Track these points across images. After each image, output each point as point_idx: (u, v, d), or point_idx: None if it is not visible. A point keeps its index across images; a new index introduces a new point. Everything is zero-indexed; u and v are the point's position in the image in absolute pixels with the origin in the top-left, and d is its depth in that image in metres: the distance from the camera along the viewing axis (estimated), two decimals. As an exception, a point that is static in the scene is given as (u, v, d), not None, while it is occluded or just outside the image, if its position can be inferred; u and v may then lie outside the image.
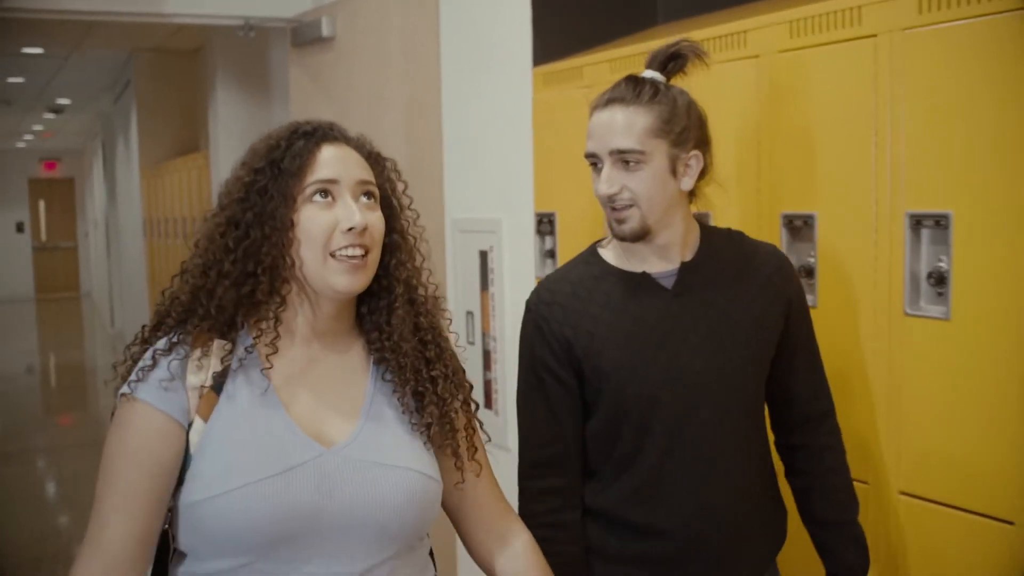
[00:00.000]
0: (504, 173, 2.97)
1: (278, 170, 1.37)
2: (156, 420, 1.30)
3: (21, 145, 17.30)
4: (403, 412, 1.42)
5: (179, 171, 7.56)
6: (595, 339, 1.66)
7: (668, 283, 1.68)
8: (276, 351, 1.36)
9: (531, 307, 1.74)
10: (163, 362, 1.32)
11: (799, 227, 1.99)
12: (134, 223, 9.41)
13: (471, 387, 1.52)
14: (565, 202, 2.72)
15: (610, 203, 1.65)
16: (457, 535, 1.55)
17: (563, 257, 2.73)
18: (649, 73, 1.69)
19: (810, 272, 1.95)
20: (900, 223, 1.79)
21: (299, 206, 1.36)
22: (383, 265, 1.43)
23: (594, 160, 1.67)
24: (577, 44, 2.85)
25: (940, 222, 1.72)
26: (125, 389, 1.32)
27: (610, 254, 1.74)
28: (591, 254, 1.76)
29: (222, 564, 1.30)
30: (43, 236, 18.72)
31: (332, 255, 1.35)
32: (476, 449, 1.50)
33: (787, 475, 1.82)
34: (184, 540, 1.33)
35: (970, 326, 1.69)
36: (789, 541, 1.83)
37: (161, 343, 1.35)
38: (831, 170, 1.92)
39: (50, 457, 6.92)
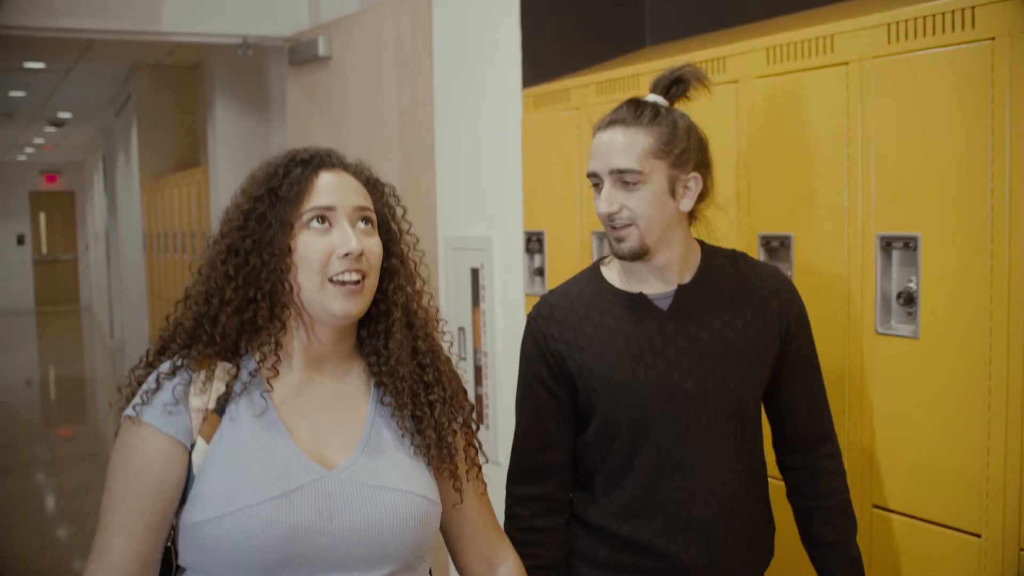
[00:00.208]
0: (495, 192, 3.04)
1: (276, 197, 1.39)
2: (160, 442, 1.33)
3: (22, 158, 17.37)
4: (403, 435, 1.45)
5: (179, 185, 7.62)
6: (587, 355, 1.70)
7: (664, 305, 1.71)
8: (277, 375, 1.38)
9: (531, 320, 1.78)
10: (167, 385, 1.35)
11: (776, 247, 2.05)
12: (134, 236, 9.47)
13: (472, 408, 1.54)
14: (554, 221, 2.78)
15: (609, 221, 1.68)
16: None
17: (551, 274, 2.79)
18: (652, 97, 1.73)
19: (787, 291, 2.01)
20: (872, 245, 1.85)
21: (296, 232, 1.38)
22: (382, 290, 1.45)
23: (595, 180, 1.70)
24: (566, 66, 2.92)
25: (909, 244, 1.78)
26: (130, 412, 1.35)
27: (611, 272, 1.77)
28: (593, 271, 1.80)
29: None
30: (44, 249, 18.76)
31: (330, 280, 1.37)
32: (474, 469, 1.53)
33: (788, 496, 1.83)
34: (187, 557, 1.35)
35: (938, 344, 1.75)
36: (785, 559, 1.87)
37: (165, 367, 1.37)
38: (806, 193, 1.98)
39: (50, 469, 6.94)
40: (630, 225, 1.66)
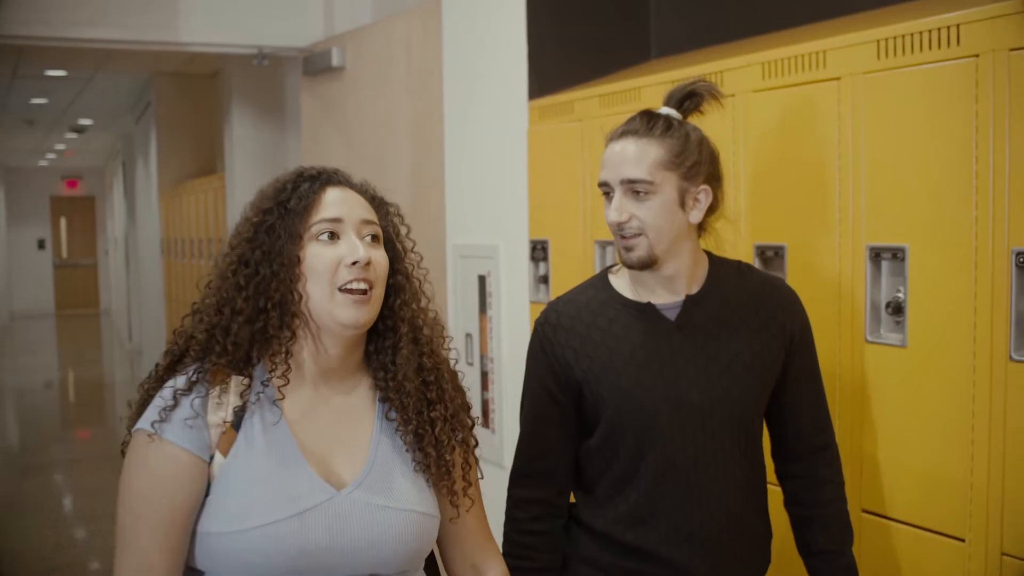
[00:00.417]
0: (501, 201, 3.10)
1: (285, 210, 1.43)
2: (184, 459, 1.35)
3: (44, 164, 17.58)
4: (405, 450, 1.49)
5: (196, 192, 7.73)
6: (595, 363, 1.71)
7: (672, 315, 1.72)
8: (288, 382, 1.41)
9: (538, 327, 1.79)
10: (185, 401, 1.37)
11: (771, 257, 2.10)
12: (152, 242, 9.58)
13: (473, 424, 1.58)
14: (558, 230, 2.83)
15: (619, 231, 1.69)
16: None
17: (556, 282, 2.84)
18: (665, 110, 1.74)
19: (781, 300, 2.05)
20: (862, 255, 1.89)
21: (305, 244, 1.42)
22: (388, 305, 1.48)
23: (606, 189, 1.71)
24: (572, 79, 2.97)
25: (897, 255, 1.83)
26: (147, 428, 1.36)
27: (619, 281, 1.78)
28: (601, 279, 1.81)
29: None
30: (64, 253, 18.98)
31: (339, 289, 1.40)
32: (470, 485, 1.56)
33: (786, 504, 1.85)
34: (199, 561, 1.38)
35: (925, 352, 1.80)
36: (781, 567, 1.90)
37: (181, 382, 1.39)
38: (800, 204, 2.03)
39: (68, 470, 7.04)
40: (639, 235, 1.68)
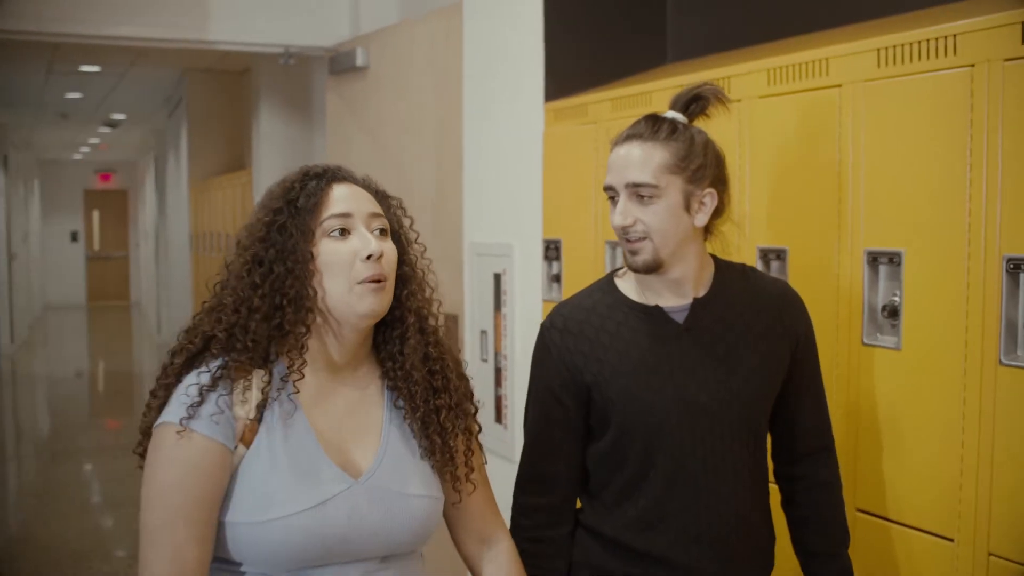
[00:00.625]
0: (516, 201, 3.15)
1: (295, 209, 1.47)
2: (213, 450, 1.40)
3: (78, 157, 17.86)
4: (413, 438, 1.56)
5: (225, 187, 7.84)
6: (604, 367, 1.71)
7: (680, 318, 1.72)
8: (303, 377, 1.46)
9: (544, 331, 1.78)
10: (211, 396, 1.41)
11: (773, 260, 2.14)
12: (181, 236, 9.73)
13: (476, 411, 1.64)
14: (571, 230, 2.89)
15: (624, 235, 1.69)
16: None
17: (568, 281, 2.90)
18: (671, 113, 1.73)
19: (782, 302, 2.09)
20: (860, 259, 1.93)
21: (317, 240, 1.46)
22: (396, 296, 1.52)
23: (611, 193, 1.71)
24: (588, 82, 3.02)
25: (894, 259, 1.87)
26: (178, 423, 1.39)
27: (626, 285, 1.78)
28: (607, 283, 1.81)
29: (254, 570, 1.43)
30: (96, 246, 19.26)
31: (356, 283, 1.45)
32: (472, 470, 1.62)
33: (784, 505, 1.86)
34: (229, 550, 1.42)
35: (918, 355, 1.83)
36: (779, 567, 1.91)
37: (205, 378, 1.42)
38: (801, 208, 2.07)
39: (96, 458, 7.18)
40: (644, 239, 1.67)
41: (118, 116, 11.92)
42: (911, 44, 1.83)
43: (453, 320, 3.72)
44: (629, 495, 1.73)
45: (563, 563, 1.79)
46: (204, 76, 8.67)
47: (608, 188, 1.71)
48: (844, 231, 1.97)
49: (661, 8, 3.21)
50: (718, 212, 1.73)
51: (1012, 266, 1.66)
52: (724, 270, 1.78)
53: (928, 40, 1.79)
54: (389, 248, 1.51)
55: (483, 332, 3.37)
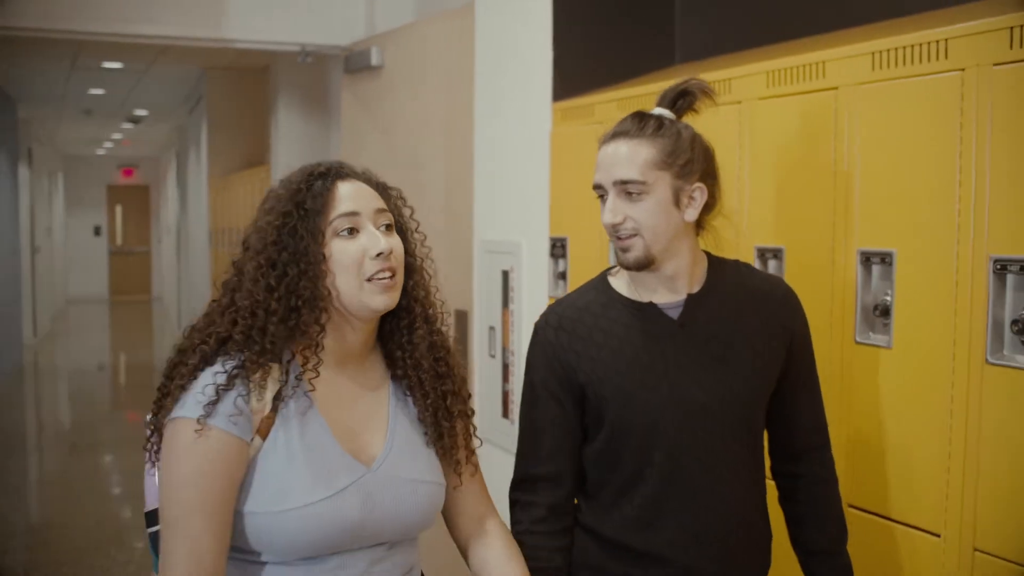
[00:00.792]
0: (524, 199, 3.20)
1: (303, 211, 1.50)
2: (231, 443, 1.43)
3: (101, 152, 18.05)
4: (417, 425, 1.61)
5: (243, 184, 7.93)
6: (598, 365, 1.71)
7: (674, 314, 1.72)
8: (318, 375, 1.51)
9: (538, 329, 1.78)
10: (229, 396, 1.44)
11: (769, 259, 2.18)
12: (201, 231, 9.83)
13: (469, 396, 1.69)
14: (576, 228, 2.93)
15: (614, 232, 1.69)
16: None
17: (574, 279, 2.94)
18: (658, 110, 1.73)
19: (778, 301, 2.13)
20: (853, 259, 1.97)
21: (327, 241, 1.50)
22: (403, 287, 1.57)
23: (600, 191, 1.71)
24: (597, 82, 3.07)
25: (885, 259, 1.90)
26: (195, 417, 1.42)
27: (619, 282, 1.78)
28: (601, 281, 1.81)
29: (270, 559, 1.47)
30: (119, 240, 19.46)
31: (367, 280, 1.50)
32: (472, 453, 1.68)
33: (781, 502, 1.86)
34: (248, 539, 1.46)
35: (908, 354, 1.86)
36: (777, 568, 1.94)
37: (222, 379, 1.45)
38: (797, 208, 2.11)
39: (116, 450, 7.28)
40: (635, 235, 1.67)
41: (141, 112, 12.06)
42: (904, 48, 1.86)
43: (463, 316, 3.77)
44: (626, 494, 1.72)
45: (562, 559, 1.76)
46: (224, 73, 8.77)
47: (597, 186, 1.72)
48: (839, 231, 2.00)
49: (669, 9, 3.25)
50: (709, 206, 1.73)
51: (999, 267, 1.69)
52: (718, 266, 1.78)
53: (921, 44, 1.83)
54: (396, 243, 1.55)
55: (491, 328, 3.42)
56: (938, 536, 1.81)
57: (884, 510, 1.92)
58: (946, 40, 1.78)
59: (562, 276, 3.02)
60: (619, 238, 1.69)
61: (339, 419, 1.53)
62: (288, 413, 1.48)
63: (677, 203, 1.68)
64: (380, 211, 1.56)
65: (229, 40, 4.83)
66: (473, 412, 1.70)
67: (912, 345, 1.86)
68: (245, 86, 8.69)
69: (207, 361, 1.48)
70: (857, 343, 1.97)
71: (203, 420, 1.41)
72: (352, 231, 1.52)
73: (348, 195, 1.53)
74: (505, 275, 3.33)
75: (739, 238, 2.26)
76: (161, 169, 17.51)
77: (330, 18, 4.84)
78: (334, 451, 1.50)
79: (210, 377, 1.45)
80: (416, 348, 1.60)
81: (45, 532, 5.33)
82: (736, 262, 1.83)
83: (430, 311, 1.63)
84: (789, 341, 1.77)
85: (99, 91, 10.24)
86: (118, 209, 19.42)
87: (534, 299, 3.16)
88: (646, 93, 2.61)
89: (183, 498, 1.40)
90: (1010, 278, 1.69)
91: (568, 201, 2.97)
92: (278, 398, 1.48)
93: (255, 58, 7.87)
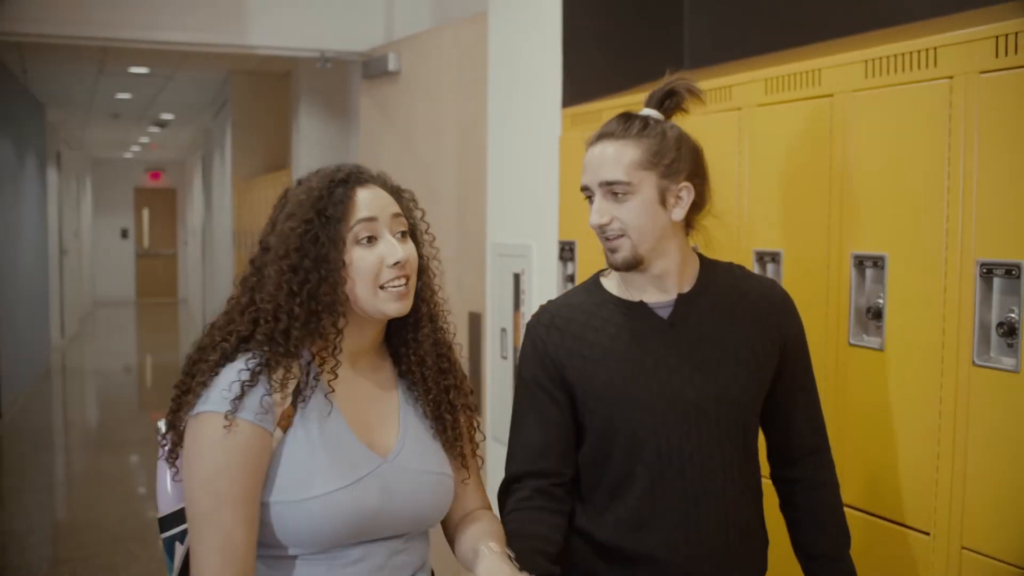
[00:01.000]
0: (535, 203, 3.25)
1: (325, 218, 1.53)
2: (257, 434, 1.47)
3: (128, 156, 18.28)
4: (426, 419, 1.66)
5: (265, 187, 8.03)
6: (588, 363, 1.71)
7: (664, 314, 1.72)
8: (336, 376, 1.55)
9: (530, 328, 1.79)
10: (256, 390, 1.48)
11: (767, 262, 2.23)
12: (226, 234, 9.95)
13: (471, 391, 1.74)
14: (585, 232, 2.97)
15: (602, 233, 1.70)
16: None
17: (581, 282, 2.99)
18: (646, 111, 1.73)
19: (776, 303, 2.17)
20: (847, 263, 2.01)
21: (348, 247, 1.54)
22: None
23: (588, 193, 1.72)
24: (606, 88, 3.12)
25: (878, 263, 1.94)
26: (222, 416, 1.45)
27: (611, 283, 1.79)
28: (593, 282, 1.83)
29: (292, 550, 1.50)
30: (146, 243, 19.67)
31: (381, 287, 1.54)
32: (476, 446, 1.74)
33: (782, 507, 1.85)
34: (274, 531, 1.49)
35: (900, 356, 1.90)
36: (777, 571, 1.97)
37: (245, 375, 1.49)
38: (794, 213, 2.15)
39: (140, 450, 7.39)
40: (622, 236, 1.68)
41: (167, 116, 12.22)
42: (896, 56, 1.90)
43: (477, 319, 3.83)
44: (617, 495, 1.71)
45: (546, 530, 1.69)
46: (248, 78, 8.87)
47: (584, 188, 1.73)
48: (834, 235, 2.04)
49: (678, 16, 3.29)
50: (698, 206, 1.73)
51: (985, 270, 1.73)
52: (711, 267, 1.79)
53: (912, 52, 1.87)
54: (411, 250, 1.60)
55: (503, 330, 3.48)
56: (927, 535, 1.85)
57: (876, 508, 1.96)
58: (935, 49, 1.82)
59: (571, 279, 3.07)
60: (606, 239, 1.71)
61: (354, 413, 1.58)
62: (307, 407, 1.53)
63: (663, 203, 1.69)
64: (396, 216, 1.59)
65: (251, 46, 4.92)
66: (476, 406, 1.75)
67: (903, 347, 1.90)
68: (269, 90, 8.79)
69: (228, 358, 1.52)
70: (851, 345, 2.01)
71: (230, 415, 1.44)
72: (371, 239, 1.56)
73: (366, 202, 1.57)
74: (516, 278, 3.39)
75: (739, 241, 2.31)
76: (187, 172, 17.70)
77: (349, 25, 4.92)
78: (352, 443, 1.54)
79: (234, 374, 1.49)
80: (420, 345, 1.65)
81: (68, 528, 5.45)
82: (730, 264, 1.83)
83: (435, 309, 1.69)
84: (783, 344, 1.76)
85: (126, 95, 10.40)
86: (145, 212, 19.64)
87: (542, 302, 3.21)
88: (651, 99, 2.65)
89: (213, 491, 1.43)
90: (996, 281, 1.73)
91: (577, 205, 2.99)
92: (297, 393, 1.52)
93: (278, 63, 7.96)
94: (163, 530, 1.60)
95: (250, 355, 1.51)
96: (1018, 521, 1.70)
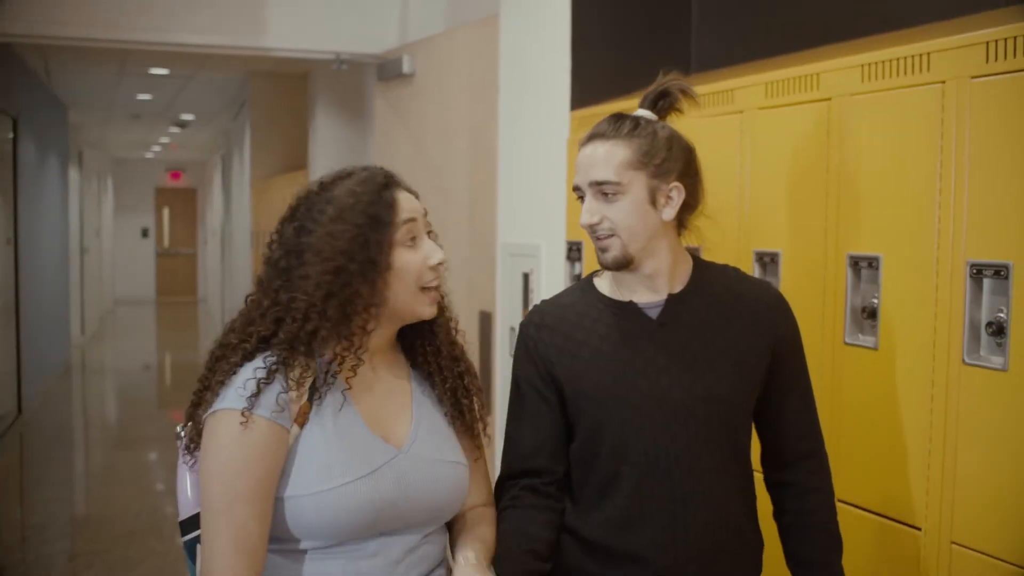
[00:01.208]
0: (544, 204, 3.30)
1: (376, 222, 1.55)
2: (274, 431, 1.49)
3: (149, 156, 18.43)
4: (442, 406, 1.70)
5: (284, 187, 8.10)
6: (577, 362, 1.71)
7: (654, 314, 1.72)
8: (356, 375, 1.57)
9: (523, 328, 1.79)
10: (272, 387, 1.50)
11: (767, 262, 2.27)
12: (244, 234, 10.05)
13: (476, 374, 1.77)
14: (591, 232, 3.02)
15: (592, 233, 1.70)
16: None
17: (588, 281, 3.03)
18: (639, 111, 1.74)
19: (774, 303, 2.21)
20: (843, 263, 2.05)
21: (396, 250, 1.56)
22: None
23: (579, 193, 1.72)
24: (613, 91, 3.16)
25: (872, 264, 1.98)
26: (239, 409, 1.47)
27: (603, 283, 1.79)
28: (586, 282, 1.82)
29: (309, 543, 1.53)
30: (166, 242, 19.82)
31: (422, 289, 1.58)
32: (485, 426, 1.76)
33: (774, 515, 1.83)
34: (289, 526, 1.51)
35: (893, 355, 1.94)
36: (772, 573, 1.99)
37: (261, 372, 1.50)
38: (792, 214, 2.19)
39: (158, 446, 7.46)
40: (612, 236, 1.68)
41: (187, 116, 12.33)
42: (891, 61, 1.94)
43: (487, 318, 3.88)
44: (605, 494, 1.71)
45: (537, 529, 1.71)
46: (266, 79, 8.96)
47: (576, 188, 1.74)
48: (830, 236, 2.08)
49: (686, 20, 3.34)
50: (690, 206, 1.73)
51: (975, 271, 1.76)
52: (704, 268, 1.78)
53: (906, 58, 1.90)
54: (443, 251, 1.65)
55: (512, 329, 3.53)
56: (919, 530, 1.88)
57: (868, 504, 1.99)
58: (929, 54, 1.86)
59: (579, 279, 3.11)
60: (597, 238, 1.71)
61: (369, 407, 1.60)
62: (323, 403, 1.55)
63: (653, 203, 1.68)
64: (425, 216, 1.63)
65: (268, 48, 5.00)
66: (481, 389, 1.77)
67: (896, 346, 1.94)
68: (287, 92, 8.86)
69: (248, 358, 1.54)
70: (846, 344, 2.05)
71: (247, 412, 1.47)
72: (413, 240, 1.59)
73: (406, 203, 1.59)
74: (526, 277, 3.44)
75: (740, 242, 2.35)
76: (207, 172, 17.84)
77: (364, 28, 4.99)
78: (366, 435, 1.57)
79: (251, 372, 1.51)
80: (436, 336, 1.70)
81: (86, 522, 5.53)
82: (725, 266, 1.83)
83: (444, 301, 1.73)
84: (775, 345, 1.74)
85: (147, 96, 10.51)
86: (165, 211, 19.78)
87: (551, 301, 3.26)
88: (656, 102, 2.70)
89: (229, 487, 1.45)
90: (986, 282, 1.76)
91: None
92: (313, 389, 1.54)
93: (296, 64, 8.03)
94: (184, 533, 1.63)
95: (268, 353, 1.53)
96: (1007, 517, 1.73)
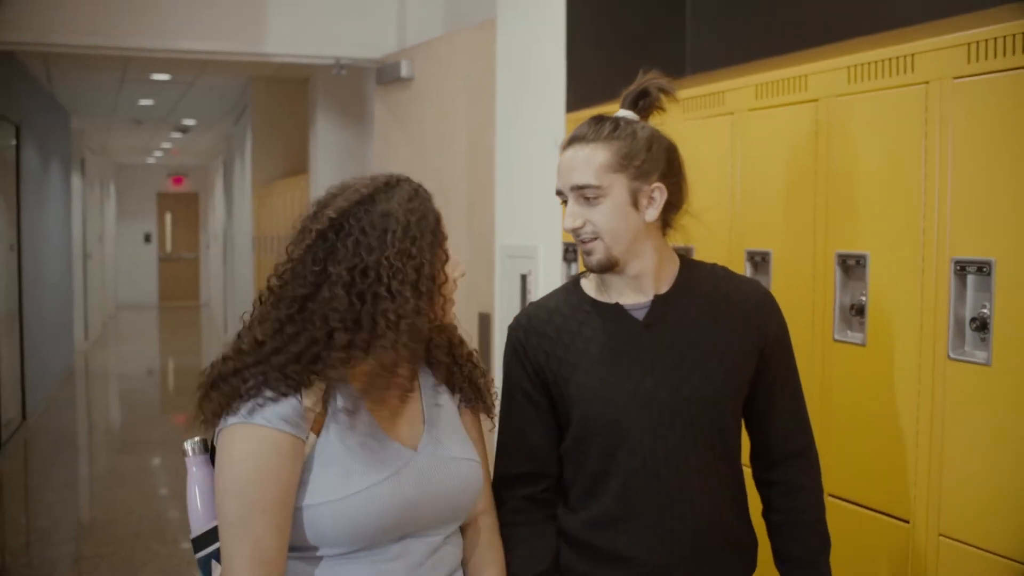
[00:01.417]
0: (541, 205, 3.34)
1: (436, 238, 1.56)
2: (289, 443, 1.48)
3: (151, 161, 18.47)
4: (449, 407, 1.69)
5: (285, 192, 8.16)
6: (564, 364, 1.71)
7: (640, 315, 1.71)
8: (378, 391, 1.56)
9: (510, 332, 1.79)
10: (288, 400, 1.49)
11: (758, 262, 2.30)
12: (246, 238, 10.09)
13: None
14: (587, 233, 3.06)
15: (576, 236, 1.70)
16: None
17: (584, 282, 3.07)
18: (620, 112, 1.73)
19: (765, 301, 2.24)
20: (831, 262, 2.08)
21: (444, 265, 1.57)
22: None
23: (562, 197, 1.72)
24: (609, 93, 3.19)
25: (860, 262, 2.02)
26: (253, 421, 1.47)
27: (589, 285, 1.78)
28: (573, 284, 1.82)
29: (330, 551, 1.52)
30: (168, 247, 19.86)
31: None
32: (495, 402, 1.76)
33: (763, 514, 1.83)
34: (308, 536, 1.50)
35: (881, 351, 1.98)
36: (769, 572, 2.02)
37: (278, 386, 1.49)
38: (781, 213, 2.23)
39: (162, 451, 7.50)
40: (595, 239, 1.67)
41: (189, 122, 12.37)
42: (877, 62, 1.98)
43: (486, 319, 3.92)
44: (593, 493, 1.72)
45: (542, 545, 1.75)
46: (267, 84, 8.99)
47: (558, 192, 1.73)
48: (819, 235, 2.12)
49: (681, 23, 3.37)
50: (674, 206, 1.72)
51: (959, 268, 1.80)
52: (691, 268, 1.77)
53: (891, 59, 1.94)
54: None
55: (510, 330, 3.56)
56: (907, 523, 1.92)
57: (857, 497, 2.03)
58: (913, 55, 1.89)
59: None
60: (581, 242, 1.70)
61: (381, 410, 1.60)
62: (336, 409, 1.54)
63: (636, 204, 1.67)
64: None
65: (268, 54, 5.04)
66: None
67: (883, 342, 1.97)
68: (287, 96, 8.90)
69: (260, 362, 1.52)
70: (835, 341, 2.09)
71: (261, 425, 1.46)
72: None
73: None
74: (523, 278, 3.47)
75: (731, 241, 2.39)
76: (209, 177, 17.88)
77: (363, 33, 5.03)
78: (382, 439, 1.57)
79: (264, 384, 1.49)
80: (444, 331, 1.69)
81: (90, 526, 5.57)
82: (713, 266, 1.81)
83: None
84: (762, 344, 1.73)
85: (148, 102, 10.55)
86: (167, 216, 19.81)
87: (548, 301, 3.30)
88: (649, 105, 2.73)
89: (245, 500, 1.45)
90: (970, 278, 1.80)
91: (579, 207, 3.10)
92: (328, 395, 1.54)
93: (297, 69, 8.07)
94: (197, 549, 1.59)
95: (283, 365, 1.51)
96: (992, 509, 1.77)
